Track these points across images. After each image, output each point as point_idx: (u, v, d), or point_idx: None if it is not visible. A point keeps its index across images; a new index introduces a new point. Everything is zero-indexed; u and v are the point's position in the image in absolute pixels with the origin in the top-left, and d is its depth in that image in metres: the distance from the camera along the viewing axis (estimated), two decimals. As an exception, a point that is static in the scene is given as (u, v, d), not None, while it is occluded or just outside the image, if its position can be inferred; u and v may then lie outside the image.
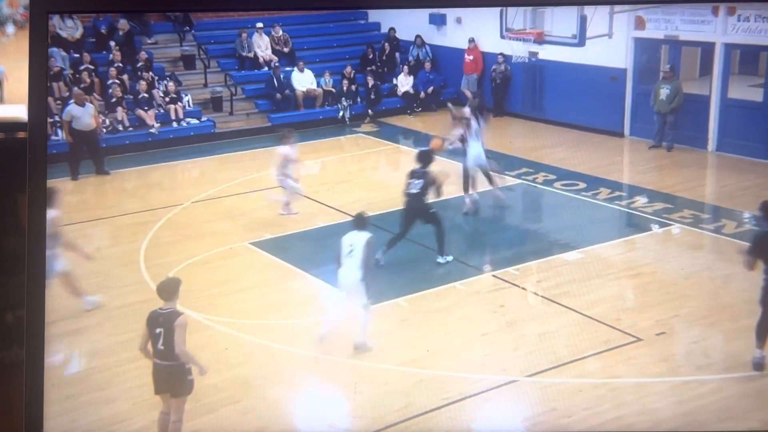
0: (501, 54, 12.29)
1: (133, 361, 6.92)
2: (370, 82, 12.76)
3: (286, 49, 12.85)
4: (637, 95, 11.76)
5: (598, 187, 10.52)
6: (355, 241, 7.82)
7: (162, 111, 11.94)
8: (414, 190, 9.20)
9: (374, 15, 13.41)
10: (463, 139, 10.30)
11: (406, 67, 13.05)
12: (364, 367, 7.35)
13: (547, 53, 11.80)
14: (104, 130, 11.32)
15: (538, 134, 11.73)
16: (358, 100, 12.67)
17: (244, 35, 12.74)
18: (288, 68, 12.68)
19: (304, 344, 7.64)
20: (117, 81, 11.67)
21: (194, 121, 12.14)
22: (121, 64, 11.88)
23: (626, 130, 11.81)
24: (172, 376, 6.39)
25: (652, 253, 9.27)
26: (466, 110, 10.90)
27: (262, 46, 12.83)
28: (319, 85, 12.65)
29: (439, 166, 9.54)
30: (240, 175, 11.14)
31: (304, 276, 8.89)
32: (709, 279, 8.61)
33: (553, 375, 7.10)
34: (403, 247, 9.18)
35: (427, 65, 13.01)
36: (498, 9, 11.35)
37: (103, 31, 12.06)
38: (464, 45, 12.67)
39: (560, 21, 11.42)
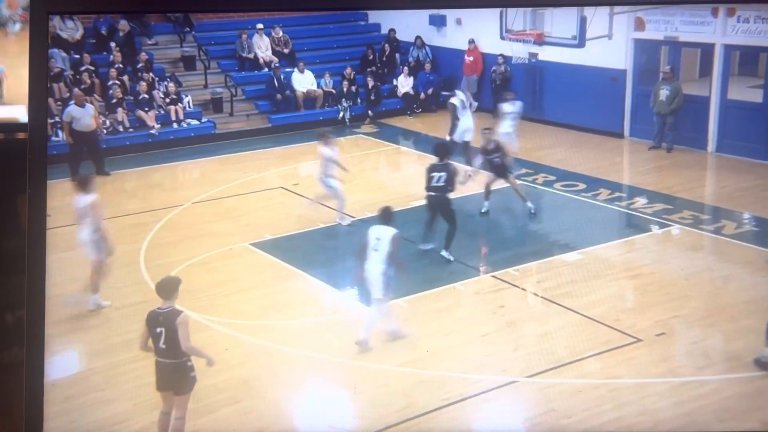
0: (501, 55, 12.30)
1: (133, 362, 6.94)
2: (370, 83, 12.76)
3: (286, 50, 12.85)
4: (636, 96, 11.77)
5: (597, 188, 10.52)
6: (382, 236, 7.87)
7: (162, 112, 11.94)
8: (439, 184, 9.22)
9: (374, 16, 13.42)
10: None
11: (406, 68, 13.06)
12: (365, 367, 7.35)
13: (547, 54, 11.82)
14: (104, 131, 11.32)
15: (538, 135, 11.73)
16: (359, 101, 12.68)
17: (245, 36, 12.75)
18: (288, 69, 12.68)
19: (304, 345, 7.64)
20: (117, 82, 11.67)
21: (194, 122, 12.15)
22: (121, 65, 11.89)
23: (626, 131, 11.82)
24: (176, 374, 6.39)
25: (651, 253, 9.26)
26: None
27: (262, 47, 12.83)
28: (319, 86, 12.66)
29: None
30: (240, 175, 11.15)
31: (304, 276, 8.89)
32: (709, 280, 8.60)
33: (553, 375, 7.10)
34: (403, 247, 9.17)
35: (427, 66, 13.03)
36: (498, 10, 11.38)
37: (103, 32, 12.07)
38: (464, 46, 12.69)
39: (560, 22, 11.44)
